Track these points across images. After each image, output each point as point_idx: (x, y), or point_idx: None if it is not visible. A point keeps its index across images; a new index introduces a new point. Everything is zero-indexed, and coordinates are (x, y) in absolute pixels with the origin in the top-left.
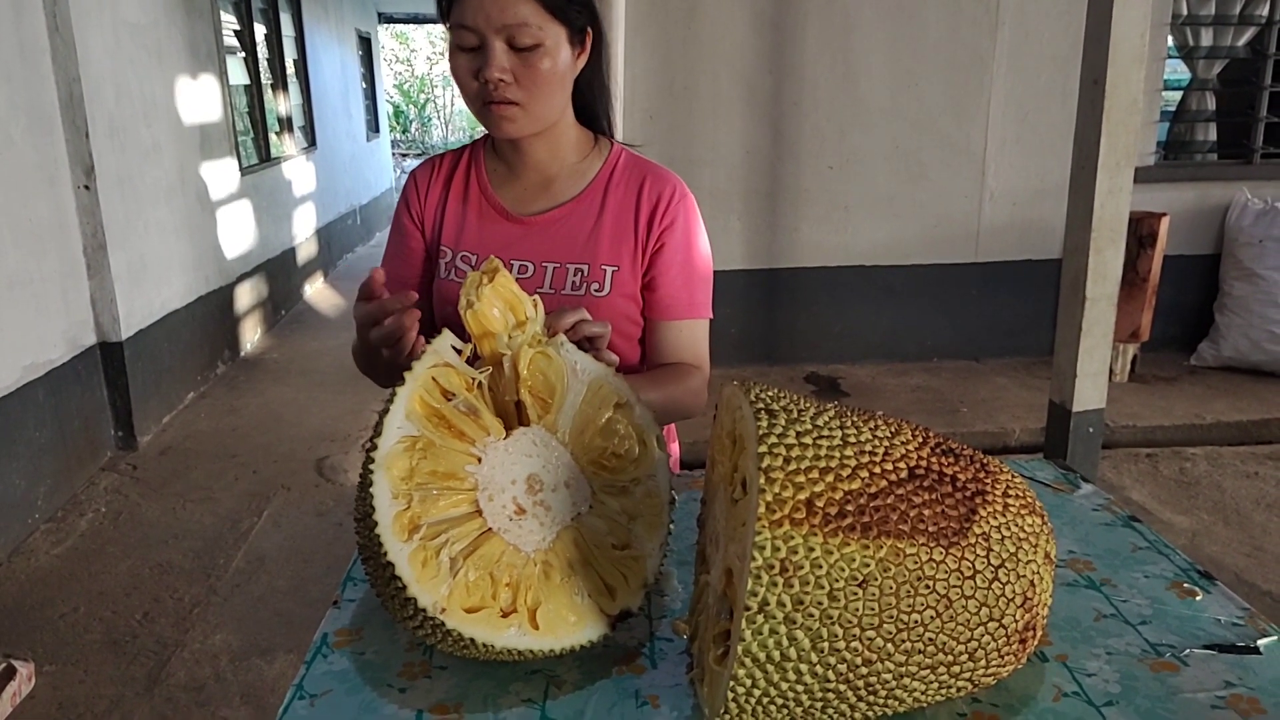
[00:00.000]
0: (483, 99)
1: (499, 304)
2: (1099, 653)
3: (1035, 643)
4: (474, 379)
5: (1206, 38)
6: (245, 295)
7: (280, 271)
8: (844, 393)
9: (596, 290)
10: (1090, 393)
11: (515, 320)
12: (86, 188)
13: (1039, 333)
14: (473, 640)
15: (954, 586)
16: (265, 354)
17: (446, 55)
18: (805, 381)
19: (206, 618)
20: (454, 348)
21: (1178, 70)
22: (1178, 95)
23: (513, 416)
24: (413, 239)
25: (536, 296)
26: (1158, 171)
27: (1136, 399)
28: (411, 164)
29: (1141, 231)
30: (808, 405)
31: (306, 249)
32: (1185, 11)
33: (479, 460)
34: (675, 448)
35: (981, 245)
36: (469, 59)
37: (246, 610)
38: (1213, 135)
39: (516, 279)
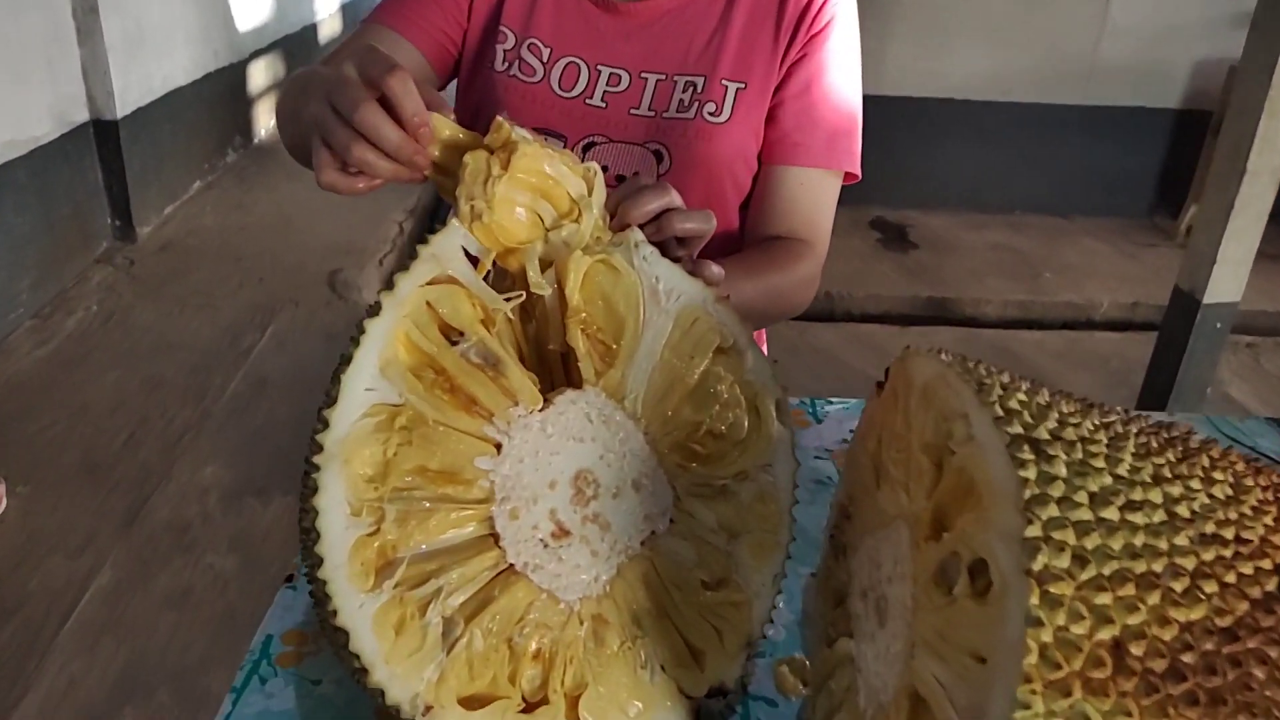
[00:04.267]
0: None
1: (525, 195)
2: None
3: None
4: (496, 310)
5: None
6: (259, 75)
7: (300, 50)
8: (912, 244)
9: (712, 114)
10: (1228, 283)
11: (556, 211)
12: None
13: (1140, 191)
14: None
15: None
16: (280, 143)
17: None
18: (870, 227)
19: (197, 446)
20: (466, 252)
21: None
22: None
23: (557, 371)
24: None
25: (593, 164)
26: None
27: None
28: None
29: None
30: (1077, 416)
31: (329, 26)
32: None
33: (497, 448)
34: None
35: (1093, 86)
36: None
37: (242, 442)
38: None
39: (605, 92)
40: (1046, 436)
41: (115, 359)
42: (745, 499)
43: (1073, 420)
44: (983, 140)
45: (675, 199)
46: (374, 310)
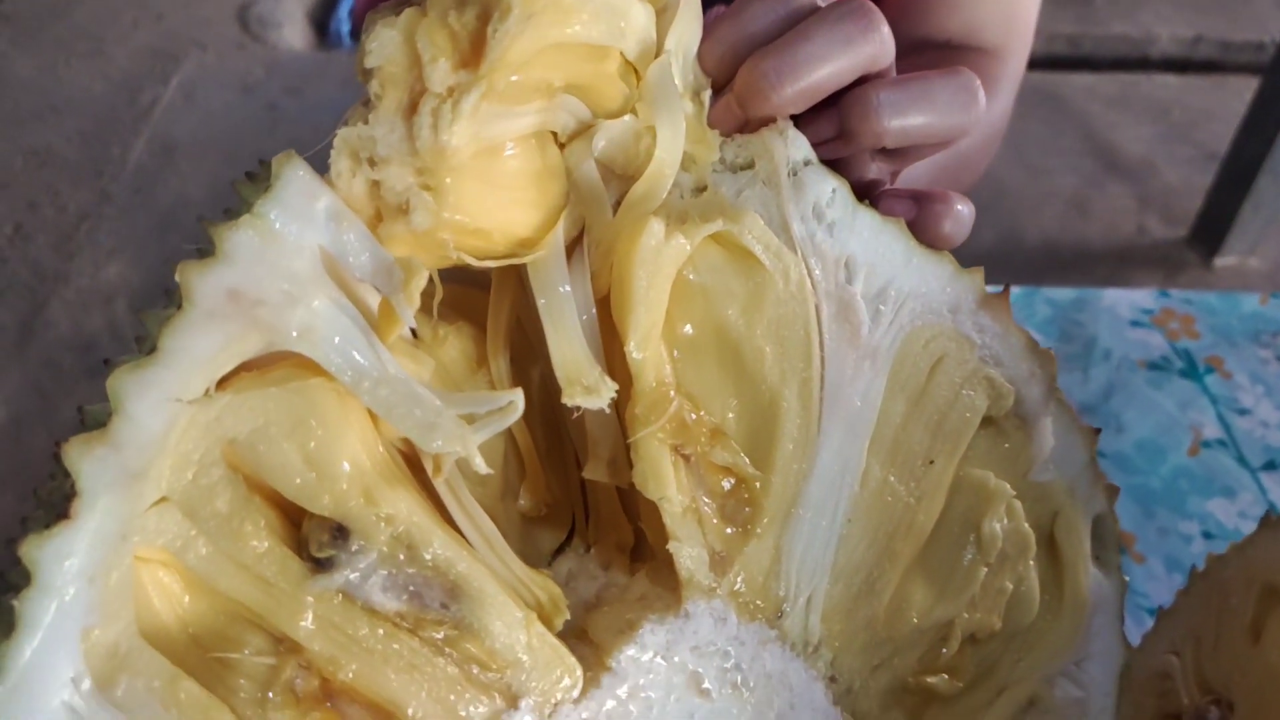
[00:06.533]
0: None
1: (529, 110)
2: None
3: None
4: (443, 452)
5: None
6: None
7: None
8: None
9: None
10: None
11: (591, 109)
12: None
13: None
14: None
15: None
16: None
17: None
18: None
19: (98, 237)
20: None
21: None
22: None
23: (610, 552)
24: None
25: None
26: None
27: None
28: None
29: None
30: None
31: None
32: None
33: None
34: None
35: None
36: None
37: (150, 229)
38: None
39: None
40: None
41: None
42: None
43: None
44: None
45: (884, 42)
46: (48, 511)
